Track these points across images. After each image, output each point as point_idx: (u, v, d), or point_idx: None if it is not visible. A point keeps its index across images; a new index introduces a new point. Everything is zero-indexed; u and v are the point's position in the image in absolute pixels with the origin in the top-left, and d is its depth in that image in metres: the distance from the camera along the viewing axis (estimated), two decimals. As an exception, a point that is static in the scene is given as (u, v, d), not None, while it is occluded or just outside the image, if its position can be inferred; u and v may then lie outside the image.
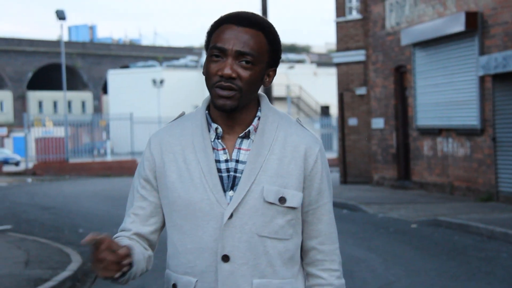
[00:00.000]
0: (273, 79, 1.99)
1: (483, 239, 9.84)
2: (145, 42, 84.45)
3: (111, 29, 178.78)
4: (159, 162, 1.98)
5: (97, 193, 18.26)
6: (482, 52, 13.62)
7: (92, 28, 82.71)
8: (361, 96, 19.15)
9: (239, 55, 1.91)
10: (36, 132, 31.67)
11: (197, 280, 1.92)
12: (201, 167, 1.92)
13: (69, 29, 79.83)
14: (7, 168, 33.39)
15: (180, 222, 1.94)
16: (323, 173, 1.97)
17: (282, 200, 1.91)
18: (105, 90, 62.85)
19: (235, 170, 1.92)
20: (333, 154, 32.96)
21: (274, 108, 2.00)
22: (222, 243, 1.89)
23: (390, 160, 17.51)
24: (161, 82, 47.61)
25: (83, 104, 65.60)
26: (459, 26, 13.97)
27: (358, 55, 19.03)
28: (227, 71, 1.90)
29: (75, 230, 11.26)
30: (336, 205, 13.19)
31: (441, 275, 7.57)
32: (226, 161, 1.93)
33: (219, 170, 1.92)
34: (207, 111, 1.99)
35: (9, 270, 7.83)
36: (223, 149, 1.94)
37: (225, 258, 1.90)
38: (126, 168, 27.93)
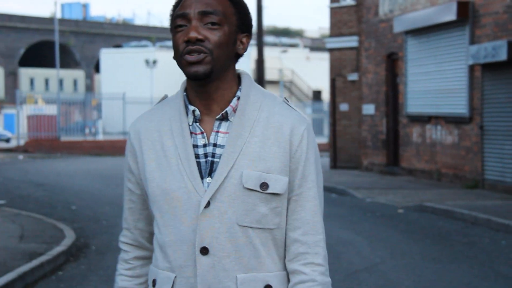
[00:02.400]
0: (247, 46, 1.83)
1: (467, 225, 10.11)
2: (139, 22, 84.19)
3: (104, 8, 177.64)
4: (139, 152, 1.85)
5: (90, 171, 18.42)
6: (472, 41, 13.82)
7: (85, 6, 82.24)
8: (352, 82, 19.34)
9: (203, 16, 1.77)
10: (28, 110, 31.71)
11: (176, 276, 1.78)
12: (178, 153, 1.79)
13: (62, 6, 79.42)
14: (-2, 145, 33.42)
15: (159, 214, 1.80)
16: (309, 154, 1.80)
17: (264, 186, 1.75)
18: (97, 69, 62.71)
19: (213, 155, 1.78)
20: (324, 139, 33.20)
21: (257, 87, 1.85)
22: (200, 234, 1.75)
23: (379, 146, 17.75)
24: (154, 62, 47.57)
25: (75, 82, 65.45)
26: (450, 15, 14.16)
27: (351, 41, 19.19)
28: (192, 34, 1.75)
29: (68, 207, 11.45)
30: (325, 189, 13.43)
31: (425, 257, 7.82)
32: (204, 145, 1.79)
33: (197, 156, 1.79)
34: (185, 93, 1.85)
35: (4, 244, 8.01)
36: (201, 133, 1.80)
37: (204, 251, 1.75)
38: (118, 148, 28.07)
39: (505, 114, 13.04)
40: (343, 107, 19.60)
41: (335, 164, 19.58)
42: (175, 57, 1.83)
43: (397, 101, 17.10)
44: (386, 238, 8.94)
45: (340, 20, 19.52)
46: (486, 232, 9.51)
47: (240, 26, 1.82)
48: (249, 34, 1.84)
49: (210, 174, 1.78)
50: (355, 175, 17.29)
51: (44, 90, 59.81)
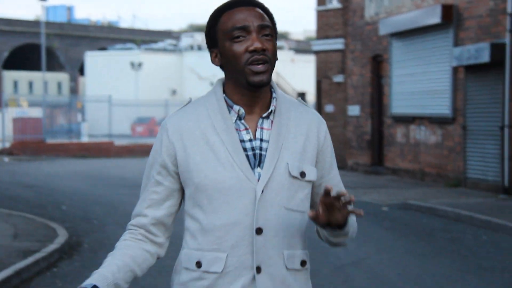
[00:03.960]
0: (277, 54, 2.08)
1: (450, 221, 10.37)
2: (124, 24, 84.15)
3: (89, 11, 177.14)
4: (180, 147, 2.03)
5: (77, 172, 18.51)
6: (456, 43, 14.11)
7: (69, 9, 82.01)
8: (338, 83, 19.59)
9: (261, 29, 2.00)
10: (12, 112, 31.69)
11: (227, 255, 1.99)
12: (226, 147, 2.00)
13: (47, 9, 79.13)
14: (-17, 147, 33.32)
15: (207, 202, 2.00)
16: (331, 147, 2.14)
17: (302, 174, 2.03)
18: (82, 71, 62.61)
19: (260, 148, 2.02)
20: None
21: (279, 89, 2.12)
22: (256, 217, 1.98)
23: (364, 147, 18.01)
24: (139, 65, 47.66)
25: (59, 85, 65.25)
26: (435, 18, 14.44)
27: (337, 44, 19.44)
28: (258, 44, 1.98)
29: (58, 207, 11.57)
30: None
31: (409, 253, 8.05)
32: (250, 140, 2.02)
33: (244, 149, 2.01)
34: (224, 94, 2.06)
35: (-2, 242, 8.14)
36: (246, 129, 2.03)
37: (259, 231, 1.98)
38: (103, 150, 28.13)
39: (487, 114, 13.32)
40: (329, 108, 19.84)
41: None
42: (229, 65, 2.02)
43: (382, 102, 17.37)
44: (372, 235, 9.17)
45: (326, 23, 19.76)
46: (468, 228, 9.77)
47: (276, 36, 2.07)
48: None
49: (259, 165, 2.01)
50: (341, 175, 17.05)
51: (27, 93, 59.60)
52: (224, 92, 2.07)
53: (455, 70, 14.19)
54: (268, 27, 2.01)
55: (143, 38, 68.14)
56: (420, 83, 15.49)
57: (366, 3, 17.75)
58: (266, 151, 2.02)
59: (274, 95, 2.08)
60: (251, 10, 2.01)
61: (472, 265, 7.44)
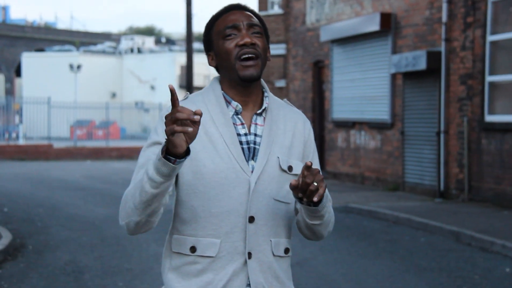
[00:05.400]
0: (270, 56, 2.24)
1: (389, 224, 10.70)
2: (61, 25, 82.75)
3: (25, 11, 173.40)
4: None
5: (17, 175, 18.20)
6: (394, 51, 14.53)
7: (4, 9, 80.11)
8: (280, 88, 19.86)
9: (250, 27, 2.17)
10: None
11: (221, 241, 2.11)
12: (223, 139, 2.14)
13: (-19, 8, 77.12)
14: None
15: (204, 189, 2.12)
16: (314, 142, 2.30)
17: (290, 168, 2.19)
18: (18, 73, 61.32)
19: (254, 143, 2.18)
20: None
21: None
22: (249, 206, 2.12)
23: (305, 151, 18.28)
24: (78, 67, 47.00)
25: (-5, 86, 63.76)
26: (374, 25, 14.83)
27: (278, 49, 19.71)
28: (247, 39, 2.15)
29: (0, 209, 11.41)
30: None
31: (351, 253, 8.31)
32: (245, 134, 2.18)
33: (240, 142, 2.16)
34: (222, 91, 2.21)
35: None
36: (242, 124, 2.19)
37: (251, 219, 2.13)
38: (42, 152, 27.68)
39: (424, 120, 13.76)
40: (271, 113, 20.08)
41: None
42: (222, 62, 2.18)
43: (323, 107, 17.70)
44: (315, 236, 9.38)
45: (268, 28, 19.99)
46: (406, 230, 10.12)
47: (267, 38, 2.24)
48: (269, 47, 2.25)
49: (253, 158, 2.16)
50: None
51: (-39, 93, 57.98)
52: (221, 89, 2.22)
53: (394, 76, 14.62)
54: (257, 26, 2.19)
55: (82, 40, 67.20)
56: (360, 89, 15.87)
57: (307, 9, 18.07)
58: (259, 145, 2.17)
59: (266, 94, 2.25)
60: (242, 12, 2.21)
61: (411, 265, 7.73)
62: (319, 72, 17.95)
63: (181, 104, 2.14)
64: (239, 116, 2.20)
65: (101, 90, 49.96)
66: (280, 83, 19.73)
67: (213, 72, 53.19)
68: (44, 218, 10.54)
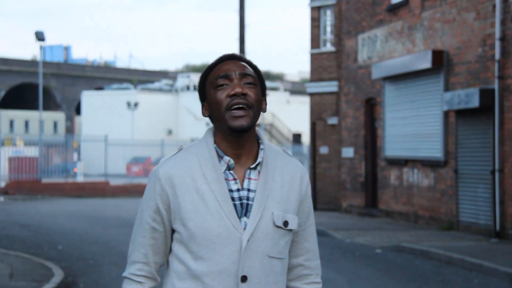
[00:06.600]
0: (266, 107, 2.20)
1: (441, 264, 10.49)
2: (120, 64, 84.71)
3: (86, 51, 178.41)
4: (172, 196, 2.13)
5: (73, 212, 18.58)
6: (447, 88, 14.40)
7: (67, 49, 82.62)
8: (332, 125, 19.84)
9: (242, 77, 2.15)
10: (8, 151, 31.81)
11: None
12: (215, 196, 2.10)
13: (44, 49, 79.59)
14: (-22, 186, 33.31)
15: (196, 249, 2.11)
16: (310, 197, 2.25)
17: (286, 223, 2.15)
18: (78, 111, 62.92)
19: (247, 198, 2.13)
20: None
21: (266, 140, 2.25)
22: (241, 265, 2.09)
23: (358, 188, 18.17)
24: (136, 105, 47.98)
25: (55, 124, 65.51)
26: (426, 63, 14.75)
27: (331, 86, 19.75)
28: (238, 89, 2.13)
29: (54, 247, 11.66)
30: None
31: (401, 295, 8.16)
32: (238, 190, 2.13)
33: (232, 199, 2.12)
34: (215, 144, 2.18)
35: (-5, 282, 8.21)
36: (234, 179, 2.14)
37: (243, 279, 2.09)
38: (99, 189, 28.21)
39: (478, 158, 13.53)
40: (323, 150, 20.06)
41: (315, 205, 19.92)
42: (214, 113, 2.16)
43: (375, 144, 17.59)
44: (365, 277, 9.28)
45: (320, 66, 20.11)
46: (460, 271, 9.90)
47: (261, 90, 2.21)
48: (265, 98, 2.23)
49: (245, 214, 2.13)
50: (335, 216, 17.65)
51: (23, 132, 59.78)
52: (214, 142, 2.19)
53: (446, 114, 14.46)
54: (250, 76, 2.16)
55: (140, 78, 68.67)
56: (413, 126, 15.74)
57: (359, 47, 18.11)
58: (252, 201, 2.13)
59: (262, 146, 2.20)
60: (236, 62, 2.18)
61: (462, 308, 7.54)
62: (371, 109, 17.89)
63: (173, 157, 2.18)
64: (231, 172, 2.15)
65: (158, 127, 50.78)
66: (332, 121, 19.72)
67: (268, 109, 53.36)
68: (97, 256, 10.72)
